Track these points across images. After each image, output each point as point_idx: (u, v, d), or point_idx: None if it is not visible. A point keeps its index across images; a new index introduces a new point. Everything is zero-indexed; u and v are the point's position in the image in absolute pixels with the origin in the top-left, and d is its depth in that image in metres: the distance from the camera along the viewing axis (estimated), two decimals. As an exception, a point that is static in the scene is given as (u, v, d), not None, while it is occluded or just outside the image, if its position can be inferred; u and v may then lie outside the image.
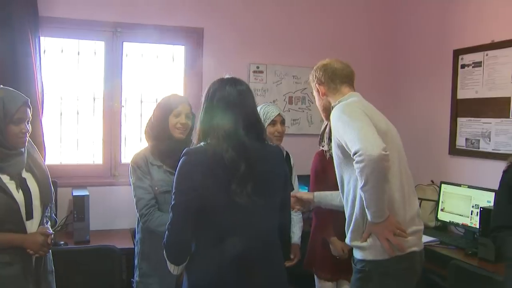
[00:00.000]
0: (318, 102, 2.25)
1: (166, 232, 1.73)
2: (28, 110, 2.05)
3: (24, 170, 2.05)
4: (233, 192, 1.67)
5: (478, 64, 3.27)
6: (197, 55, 3.62)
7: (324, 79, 2.16)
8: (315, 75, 2.21)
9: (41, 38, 3.20)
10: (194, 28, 3.59)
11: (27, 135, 2.05)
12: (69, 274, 2.55)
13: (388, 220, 1.86)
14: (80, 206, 2.98)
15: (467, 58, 3.36)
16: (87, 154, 3.54)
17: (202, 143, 1.75)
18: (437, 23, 3.66)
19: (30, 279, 2.02)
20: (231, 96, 1.76)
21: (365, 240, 1.93)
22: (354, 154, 1.77)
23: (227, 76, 1.84)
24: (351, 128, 1.84)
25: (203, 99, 1.81)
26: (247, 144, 1.72)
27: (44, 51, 3.33)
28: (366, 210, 1.87)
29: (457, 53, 3.43)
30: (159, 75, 3.66)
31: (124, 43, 3.52)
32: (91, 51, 3.49)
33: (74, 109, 3.49)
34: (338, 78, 2.14)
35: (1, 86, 2.07)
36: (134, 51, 3.59)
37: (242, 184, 1.67)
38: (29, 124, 2.06)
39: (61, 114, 3.45)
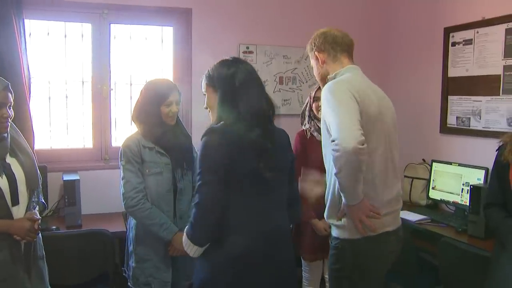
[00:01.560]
0: (316, 71, 2.19)
1: (195, 213, 1.71)
2: (10, 94, 2.02)
3: (8, 155, 2.02)
4: (261, 169, 1.70)
5: (468, 42, 3.25)
6: (186, 36, 3.56)
7: (324, 47, 2.10)
8: (314, 43, 2.14)
9: (26, 21, 3.11)
10: (182, 9, 3.52)
11: (9, 120, 2.02)
12: (62, 259, 2.55)
13: (362, 202, 1.88)
14: (71, 190, 2.97)
15: (457, 36, 3.34)
16: (77, 138, 3.51)
17: (221, 122, 1.76)
18: (428, 0, 3.62)
19: (20, 265, 2.01)
20: (252, 75, 1.81)
21: (340, 219, 1.97)
22: (332, 141, 1.80)
23: (231, 56, 1.88)
24: (334, 113, 1.84)
25: (209, 81, 1.84)
26: (269, 123, 1.79)
27: (30, 34, 3.26)
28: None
29: (448, 30, 3.41)
30: (148, 57, 3.61)
31: (111, 24, 3.45)
32: (78, 34, 3.43)
33: (63, 93, 3.44)
34: (338, 46, 2.09)
35: None
36: (122, 33, 3.53)
37: (268, 161, 1.71)
38: (11, 109, 2.03)
39: (49, 98, 3.40)
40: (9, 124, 2.02)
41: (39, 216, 2.09)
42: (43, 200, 2.23)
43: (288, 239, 1.90)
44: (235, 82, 1.76)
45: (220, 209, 1.69)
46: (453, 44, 3.37)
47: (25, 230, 1.98)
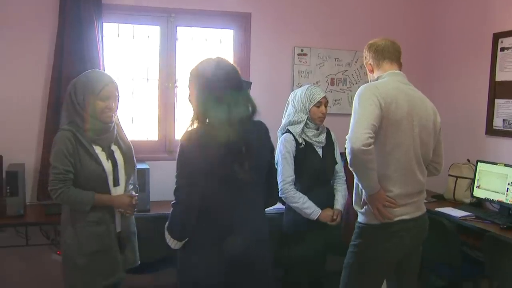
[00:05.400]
0: (369, 79, 2.46)
1: (171, 212, 1.89)
2: (116, 88, 2.31)
3: (112, 143, 2.34)
4: (236, 171, 1.80)
5: (518, 48, 3.36)
6: (245, 39, 3.81)
7: (369, 57, 2.38)
8: (364, 55, 2.43)
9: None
10: (242, 13, 3.77)
11: (116, 112, 2.31)
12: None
13: (378, 193, 2.13)
14: (142, 178, 3.23)
15: (507, 41, 3.45)
16: (141, 131, 3.78)
17: (195, 125, 1.84)
18: (477, 6, 3.73)
19: (114, 239, 2.31)
20: (232, 75, 1.85)
21: (362, 207, 2.24)
22: (346, 138, 2.06)
23: (216, 56, 1.92)
24: (354, 115, 2.10)
25: (193, 78, 1.86)
26: (245, 124, 1.84)
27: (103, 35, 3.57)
28: None
29: (497, 36, 3.52)
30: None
31: (177, 27, 3.73)
32: (145, 35, 3.72)
33: (130, 89, 3.74)
34: (380, 54, 2.33)
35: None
36: (184, 35, 3.80)
37: (243, 163, 1.80)
38: (118, 102, 2.32)
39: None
40: (114, 115, 2.31)
41: (135, 194, 2.40)
42: (137, 185, 2.53)
43: (266, 238, 2.02)
44: (210, 82, 1.80)
45: (195, 210, 1.81)
46: (502, 49, 3.48)
47: (126, 204, 2.30)
